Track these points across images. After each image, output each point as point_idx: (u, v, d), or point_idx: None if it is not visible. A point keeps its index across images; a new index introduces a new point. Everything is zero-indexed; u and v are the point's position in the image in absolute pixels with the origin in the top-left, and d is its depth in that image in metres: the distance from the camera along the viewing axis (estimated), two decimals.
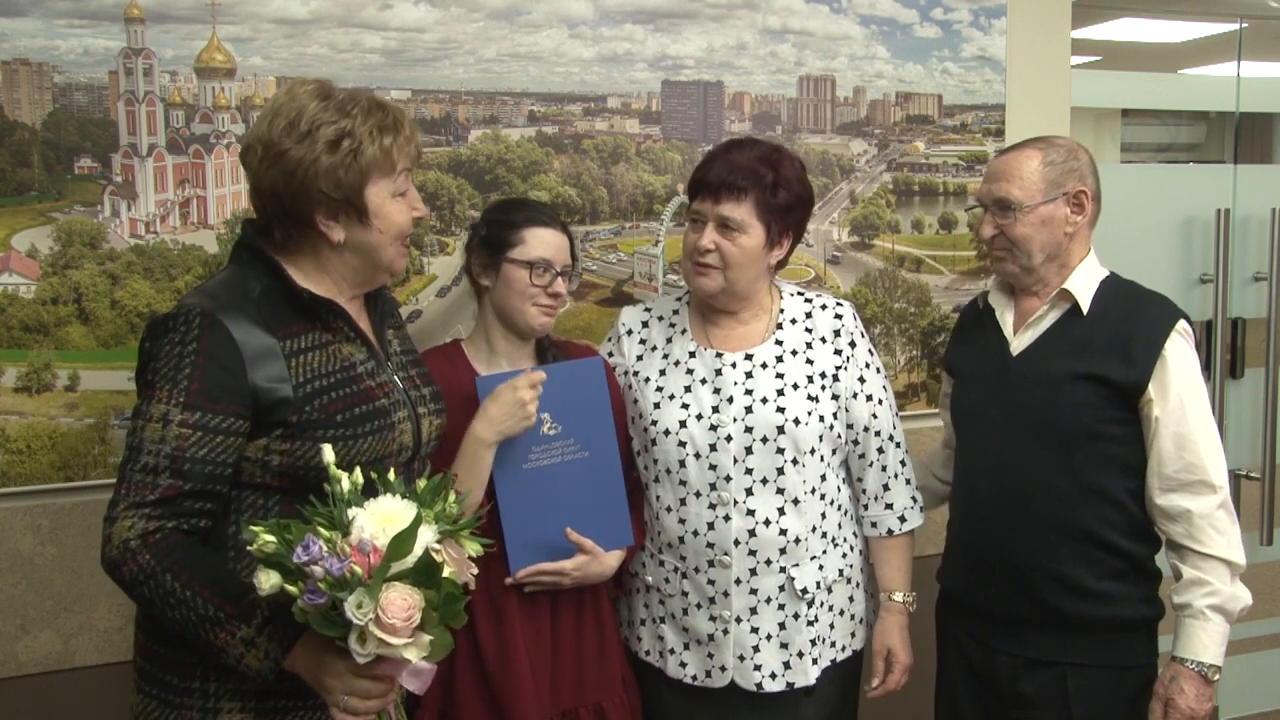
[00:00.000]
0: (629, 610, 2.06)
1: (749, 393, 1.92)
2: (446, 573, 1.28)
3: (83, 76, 2.07)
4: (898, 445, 2.03)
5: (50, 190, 2.07)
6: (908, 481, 2.05)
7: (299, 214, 1.48)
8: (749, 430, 1.89)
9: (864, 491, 2.04)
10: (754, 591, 1.91)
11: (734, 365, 1.94)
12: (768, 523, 1.90)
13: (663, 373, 1.99)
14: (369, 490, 1.33)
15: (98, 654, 2.13)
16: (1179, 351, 1.89)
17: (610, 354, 2.07)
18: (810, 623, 1.93)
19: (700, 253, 1.90)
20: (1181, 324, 1.91)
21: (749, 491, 1.89)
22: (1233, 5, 3.32)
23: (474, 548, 1.37)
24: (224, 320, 1.42)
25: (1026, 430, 1.95)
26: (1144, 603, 1.96)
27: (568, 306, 2.39)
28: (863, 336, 2.02)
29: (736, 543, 1.90)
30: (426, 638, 1.27)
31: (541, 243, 1.87)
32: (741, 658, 1.92)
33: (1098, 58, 3.40)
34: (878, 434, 2.00)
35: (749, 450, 1.89)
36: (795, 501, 1.91)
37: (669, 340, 2.03)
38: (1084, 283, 1.97)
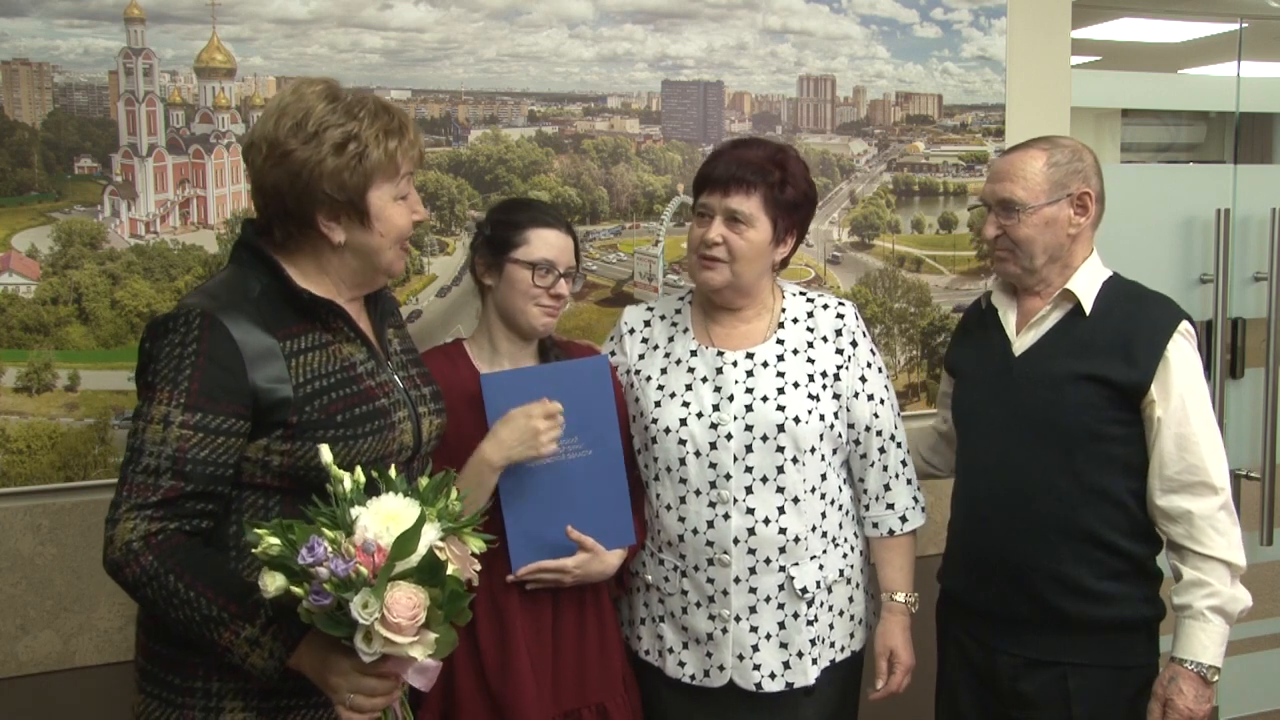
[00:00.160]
0: (629, 609, 2.06)
1: (750, 391, 1.92)
2: (450, 570, 1.28)
3: (83, 76, 2.07)
4: (899, 445, 2.03)
5: (50, 190, 2.07)
6: (909, 481, 2.05)
7: (301, 214, 1.48)
8: (749, 429, 1.89)
9: (865, 491, 2.04)
10: (753, 590, 1.91)
11: (735, 364, 1.95)
12: (767, 521, 1.90)
13: (664, 371, 1.99)
14: (370, 489, 1.33)
15: (98, 654, 2.13)
16: (1181, 352, 1.89)
17: (613, 353, 2.07)
18: (810, 622, 1.93)
19: (707, 246, 1.91)
20: (1184, 325, 1.91)
21: (749, 490, 1.90)
22: (1233, 5, 3.32)
23: (477, 545, 1.37)
24: (224, 321, 1.42)
25: (1028, 430, 1.95)
26: (1145, 603, 1.96)
27: (569, 307, 2.39)
28: (865, 336, 2.02)
29: (736, 541, 1.90)
30: (432, 635, 1.28)
31: (545, 244, 1.87)
32: (740, 657, 1.92)
33: (1098, 58, 3.40)
34: (879, 434, 2.00)
35: (749, 449, 1.89)
36: (795, 500, 1.91)
37: (671, 339, 2.03)
38: (1087, 283, 1.96)
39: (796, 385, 1.93)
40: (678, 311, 2.06)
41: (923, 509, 2.06)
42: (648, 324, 2.07)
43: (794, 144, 2.56)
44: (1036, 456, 1.94)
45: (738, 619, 1.92)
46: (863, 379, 1.99)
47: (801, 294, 2.04)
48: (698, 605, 1.94)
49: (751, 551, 1.91)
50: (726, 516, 1.90)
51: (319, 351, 1.50)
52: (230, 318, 1.43)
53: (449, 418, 1.73)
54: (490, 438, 1.78)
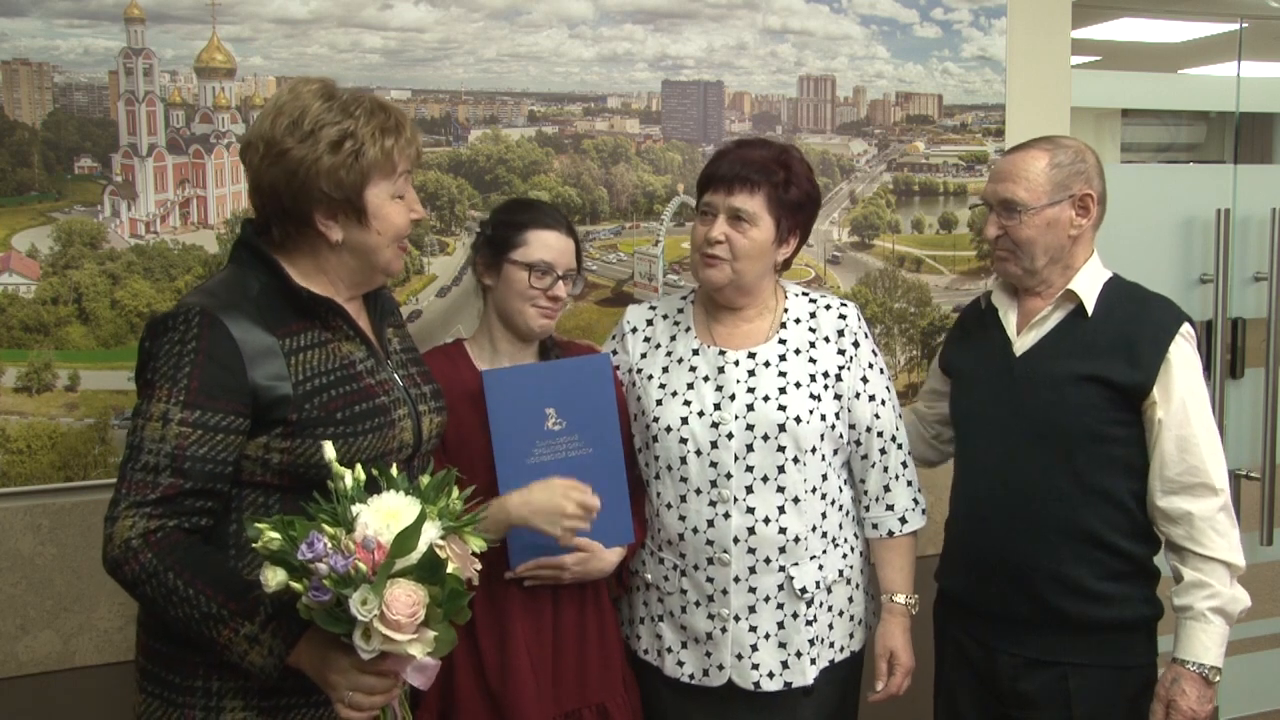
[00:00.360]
0: (629, 608, 2.06)
1: (751, 391, 1.92)
2: (450, 569, 1.28)
3: (83, 76, 2.08)
4: (900, 446, 2.03)
5: (50, 190, 2.07)
6: (909, 483, 2.05)
7: (298, 213, 1.48)
8: (750, 428, 1.89)
9: (865, 492, 2.04)
10: (753, 590, 1.91)
11: (737, 363, 1.95)
12: (767, 521, 1.90)
13: (665, 370, 1.99)
14: (371, 487, 1.33)
15: (98, 654, 2.13)
16: (1183, 354, 1.89)
17: (614, 352, 2.07)
18: (809, 622, 1.93)
19: (710, 244, 1.91)
20: (1186, 327, 1.91)
21: (749, 489, 1.90)
22: (1233, 5, 3.32)
23: (478, 544, 1.37)
24: (223, 319, 1.42)
25: (1029, 430, 1.95)
26: (1144, 603, 1.96)
27: (569, 307, 2.39)
28: (866, 337, 2.02)
29: (736, 540, 1.90)
30: (431, 633, 1.28)
31: (544, 245, 1.87)
32: (739, 656, 1.92)
33: (1098, 58, 3.40)
34: (880, 434, 2.00)
35: (750, 448, 1.89)
36: (795, 500, 1.91)
37: (673, 338, 2.03)
38: (1088, 284, 1.96)
39: (798, 385, 1.93)
40: (680, 311, 2.06)
41: (923, 510, 2.06)
42: (650, 323, 2.07)
43: (794, 144, 2.56)
44: (1038, 457, 1.94)
45: (737, 618, 1.92)
46: (864, 380, 1.99)
47: (804, 294, 2.04)
48: (697, 604, 1.94)
49: (751, 551, 1.90)
50: (727, 516, 1.90)
51: (318, 349, 1.50)
52: (229, 316, 1.43)
53: (450, 417, 1.74)
54: (522, 493, 1.78)
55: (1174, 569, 1.92)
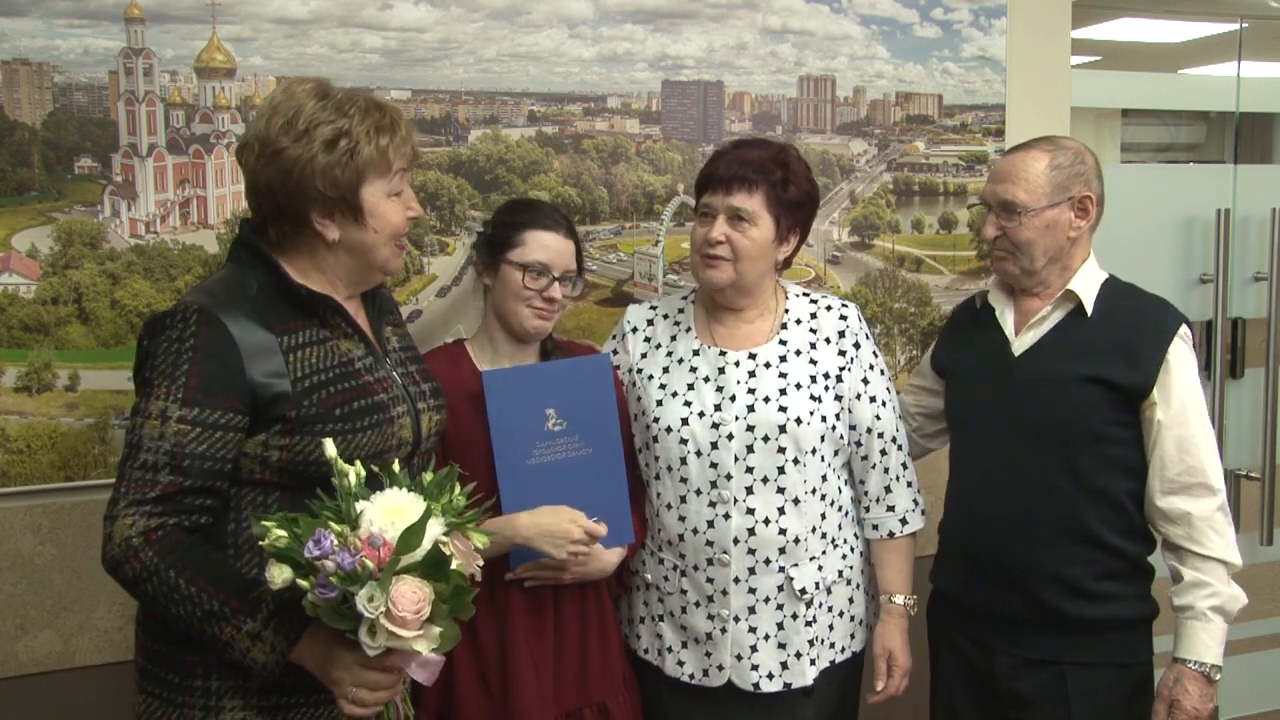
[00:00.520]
0: (629, 608, 2.06)
1: (751, 391, 1.92)
2: (454, 565, 1.29)
3: (83, 76, 2.08)
4: (900, 447, 2.03)
5: (50, 190, 2.07)
6: (909, 484, 2.05)
7: (294, 212, 1.48)
8: (751, 429, 1.89)
9: (865, 493, 2.03)
10: (752, 591, 1.91)
11: (737, 364, 1.95)
12: (767, 522, 1.90)
13: (666, 370, 1.99)
14: (371, 483, 1.34)
15: (97, 654, 2.13)
16: (1181, 355, 1.90)
17: (615, 351, 2.07)
18: (809, 623, 1.93)
19: (710, 244, 1.91)
20: (1183, 328, 1.92)
21: (749, 490, 1.89)
22: (1233, 5, 3.32)
23: (481, 540, 1.37)
24: (221, 317, 1.42)
25: (1030, 430, 1.94)
26: (1141, 601, 1.96)
27: (569, 307, 2.39)
28: (867, 338, 2.02)
29: (736, 541, 1.90)
30: (436, 630, 1.28)
31: (541, 246, 1.87)
32: (739, 657, 1.92)
33: (1098, 58, 3.40)
34: (880, 436, 2.00)
35: (750, 449, 1.89)
36: (795, 501, 1.91)
37: (673, 338, 2.03)
38: (1087, 284, 1.96)
39: (799, 386, 1.93)
40: (681, 311, 2.06)
41: (923, 511, 2.06)
42: (650, 323, 2.07)
43: (794, 144, 2.57)
44: (1038, 457, 1.94)
45: (737, 619, 1.92)
46: (865, 381, 1.99)
47: (805, 295, 2.04)
48: (697, 605, 1.94)
49: (751, 552, 1.90)
50: (727, 516, 1.90)
51: (317, 347, 1.50)
52: (228, 314, 1.43)
53: (450, 416, 1.74)
54: (532, 515, 1.79)
55: (1172, 569, 1.93)
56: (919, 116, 2.81)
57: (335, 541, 1.23)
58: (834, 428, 1.94)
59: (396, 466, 1.37)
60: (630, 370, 2.03)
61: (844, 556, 2.00)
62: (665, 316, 2.07)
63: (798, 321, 2.00)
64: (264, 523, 1.28)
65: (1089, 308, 1.95)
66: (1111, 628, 1.94)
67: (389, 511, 1.27)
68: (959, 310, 2.22)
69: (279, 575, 1.26)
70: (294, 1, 2.19)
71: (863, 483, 2.03)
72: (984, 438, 2.02)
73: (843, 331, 2.00)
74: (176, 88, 2.14)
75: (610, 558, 1.90)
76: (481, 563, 1.38)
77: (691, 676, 1.95)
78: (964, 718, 2.08)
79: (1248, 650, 3.40)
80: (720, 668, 1.93)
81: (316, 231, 1.50)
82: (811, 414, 1.91)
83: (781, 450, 1.90)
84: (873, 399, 1.99)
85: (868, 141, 2.76)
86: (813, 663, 1.94)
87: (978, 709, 2.05)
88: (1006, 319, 2.03)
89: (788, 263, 2.01)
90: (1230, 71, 3.37)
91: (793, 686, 1.92)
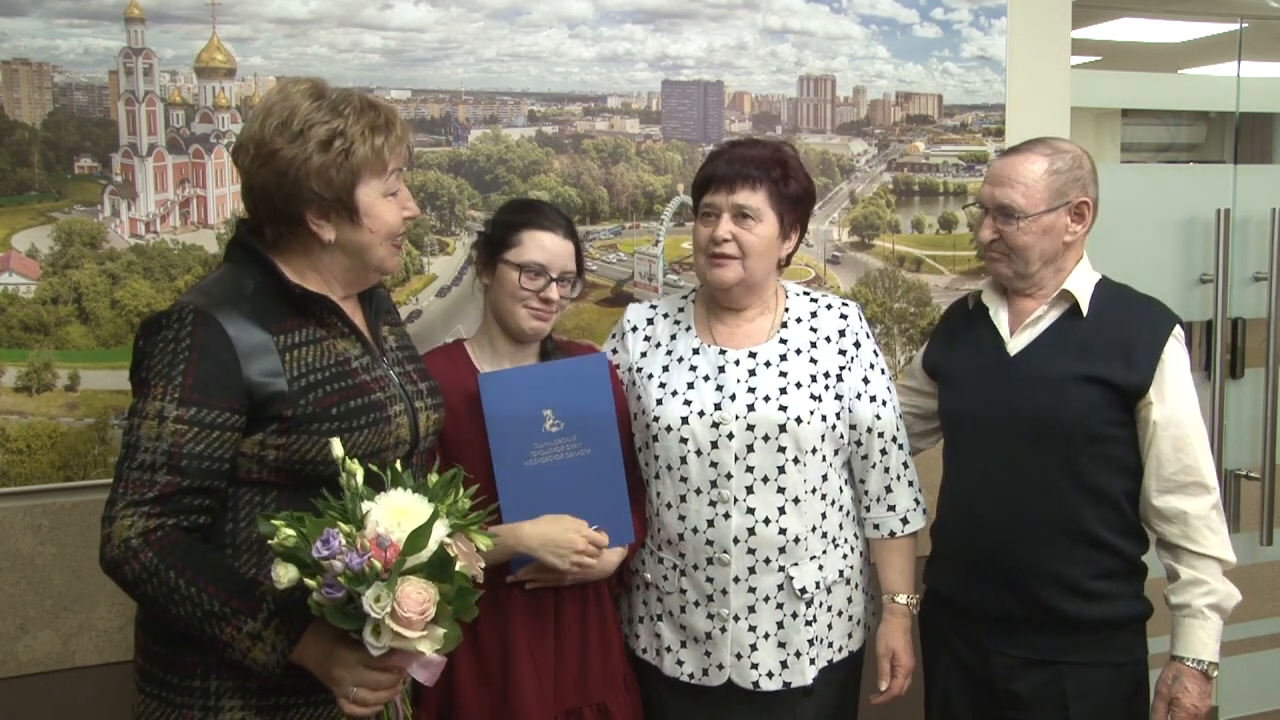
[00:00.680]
0: (629, 608, 2.06)
1: (752, 390, 1.92)
2: (458, 566, 1.29)
3: (83, 76, 2.08)
4: (900, 447, 2.03)
5: (50, 190, 2.07)
6: (910, 483, 2.05)
7: (290, 213, 1.48)
8: (751, 428, 1.89)
9: (866, 493, 2.04)
10: (752, 590, 1.91)
11: (737, 363, 1.95)
12: (767, 521, 1.90)
13: (666, 369, 1.99)
14: (371, 482, 1.34)
15: (97, 654, 2.13)
16: (1176, 355, 1.91)
17: (615, 350, 2.07)
18: (808, 623, 1.93)
19: (716, 243, 1.91)
20: (1177, 329, 1.93)
21: (749, 490, 1.90)
22: (1233, 5, 3.32)
23: (484, 542, 1.38)
24: (217, 317, 1.42)
25: (1028, 430, 1.94)
26: (1136, 600, 1.98)
27: (569, 307, 2.39)
28: (868, 337, 2.02)
29: (736, 540, 1.90)
30: (439, 630, 1.29)
31: (538, 247, 1.87)
32: (739, 656, 1.92)
33: (1098, 58, 3.40)
34: (881, 435, 2.00)
35: (750, 448, 1.89)
36: (795, 501, 1.91)
37: (673, 337, 2.03)
38: (1082, 285, 1.97)
39: (799, 385, 1.93)
40: (681, 310, 2.07)
41: (924, 511, 2.06)
42: (650, 322, 2.07)
43: (794, 144, 2.57)
44: (1038, 457, 1.94)
45: (736, 618, 1.92)
46: (865, 380, 1.99)
47: (805, 294, 2.05)
48: (696, 604, 1.94)
49: (751, 551, 1.91)
50: (727, 516, 1.90)
51: (313, 346, 1.50)
52: (224, 314, 1.43)
53: (450, 417, 1.74)
54: (536, 525, 1.80)
55: (1168, 567, 1.93)
56: (919, 116, 2.81)
57: (343, 542, 1.24)
58: (834, 427, 1.94)
59: (399, 466, 1.37)
60: (630, 369, 2.03)
61: (844, 556, 2.00)
62: (665, 315, 2.07)
63: (798, 320, 2.00)
64: (274, 522, 1.28)
65: (1085, 308, 1.95)
66: (1109, 627, 1.94)
67: (394, 512, 1.27)
68: (952, 310, 2.22)
69: (285, 575, 1.26)
70: (294, 1, 2.19)
71: (863, 482, 2.03)
72: (982, 438, 2.02)
73: (843, 330, 2.00)
74: (176, 88, 2.14)
75: (611, 558, 1.90)
76: (484, 564, 1.38)
77: (691, 676, 1.95)
78: (960, 719, 2.08)
79: (1247, 650, 3.39)
80: (720, 667, 1.93)
81: (312, 232, 1.50)
82: (812, 413, 1.91)
83: (782, 449, 1.90)
84: (873, 398, 1.99)
85: (868, 141, 2.76)
86: (812, 662, 1.94)
87: (974, 710, 2.05)
88: (1001, 319, 2.03)
89: (788, 261, 2.02)
90: (1230, 71, 3.37)
91: (792, 686, 1.93)
